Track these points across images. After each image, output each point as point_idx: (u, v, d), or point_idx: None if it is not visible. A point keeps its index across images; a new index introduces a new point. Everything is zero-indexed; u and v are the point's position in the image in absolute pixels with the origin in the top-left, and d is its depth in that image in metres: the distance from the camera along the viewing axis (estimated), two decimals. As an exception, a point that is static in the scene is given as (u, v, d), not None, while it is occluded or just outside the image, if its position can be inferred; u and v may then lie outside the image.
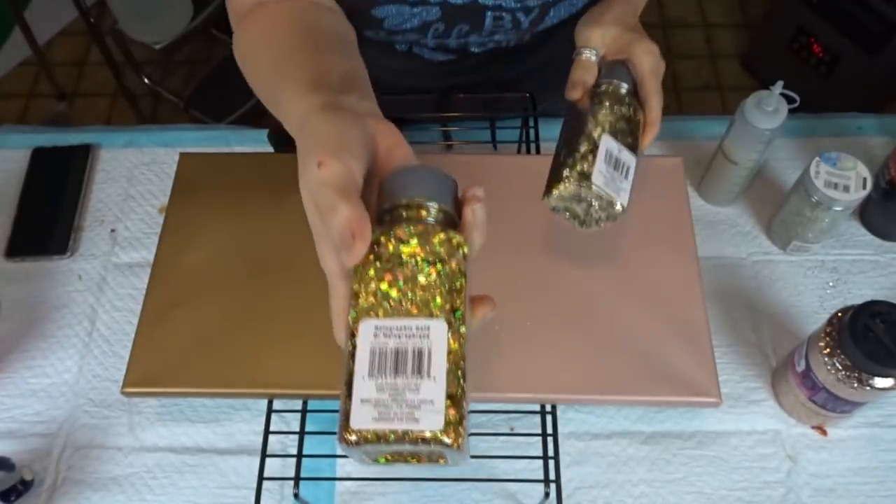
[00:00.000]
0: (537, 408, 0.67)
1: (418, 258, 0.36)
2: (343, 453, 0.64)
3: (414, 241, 0.36)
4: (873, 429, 0.70)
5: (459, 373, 0.34)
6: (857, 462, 0.68)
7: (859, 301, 0.61)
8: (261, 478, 0.64)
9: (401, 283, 0.36)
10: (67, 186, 0.85)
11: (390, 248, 0.36)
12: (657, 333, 0.68)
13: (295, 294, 0.69)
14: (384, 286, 0.36)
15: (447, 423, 0.33)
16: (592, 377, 0.66)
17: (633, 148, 0.59)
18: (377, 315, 0.35)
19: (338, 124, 0.40)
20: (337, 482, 0.68)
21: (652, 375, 0.66)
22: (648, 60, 0.59)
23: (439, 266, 0.36)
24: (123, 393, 0.66)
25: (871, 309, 0.60)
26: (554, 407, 0.66)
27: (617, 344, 0.67)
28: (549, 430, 0.65)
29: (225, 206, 0.75)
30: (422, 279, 0.36)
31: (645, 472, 0.68)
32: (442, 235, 0.36)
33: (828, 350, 0.62)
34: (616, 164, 0.57)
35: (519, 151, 0.85)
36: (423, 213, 0.38)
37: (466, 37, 0.68)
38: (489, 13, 0.65)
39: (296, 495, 0.65)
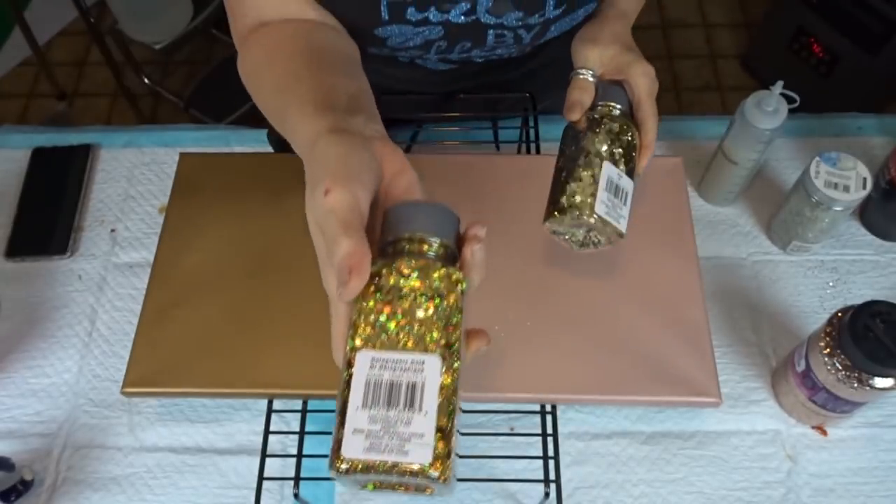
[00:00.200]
0: (537, 408, 0.67)
1: (417, 292, 0.37)
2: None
3: (414, 276, 0.37)
4: (873, 429, 0.70)
5: (450, 407, 0.35)
6: (857, 462, 0.68)
7: (859, 301, 0.61)
8: (261, 478, 0.64)
9: (399, 315, 0.37)
10: (67, 186, 0.85)
11: (391, 280, 0.37)
12: (657, 333, 0.68)
13: (295, 294, 0.69)
14: (382, 318, 0.37)
15: (435, 457, 0.34)
16: (592, 377, 0.66)
17: (631, 171, 0.60)
18: (374, 346, 0.36)
19: (346, 149, 0.40)
20: (337, 482, 0.68)
21: (652, 375, 0.66)
22: (645, 83, 0.60)
23: (437, 301, 0.37)
24: (123, 393, 0.66)
25: (871, 309, 0.60)
26: (554, 407, 0.66)
27: (617, 344, 0.67)
28: (549, 430, 0.65)
29: (225, 206, 0.75)
30: (420, 313, 0.37)
31: (645, 472, 0.68)
32: (442, 271, 0.37)
33: (828, 350, 0.62)
34: (616, 192, 0.58)
35: (519, 151, 0.85)
36: (425, 247, 0.38)
37: (469, 52, 0.69)
38: (491, 31, 0.65)
39: (296, 495, 0.65)
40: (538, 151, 0.80)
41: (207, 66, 1.94)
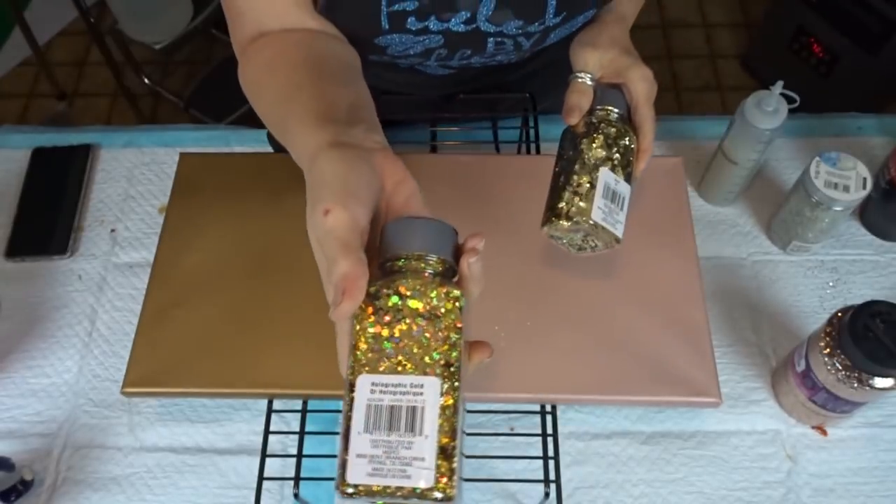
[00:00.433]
0: (537, 408, 0.67)
1: (416, 314, 0.37)
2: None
3: (412, 296, 0.37)
4: (873, 429, 0.70)
5: (452, 427, 0.36)
6: (857, 462, 0.68)
7: (859, 301, 0.61)
8: (261, 478, 0.64)
9: (397, 336, 0.37)
10: (67, 186, 0.85)
11: (389, 301, 0.37)
12: (657, 333, 0.68)
13: (295, 294, 0.69)
14: (381, 339, 0.37)
15: (437, 478, 0.34)
16: (592, 377, 0.66)
17: (628, 176, 0.60)
18: (374, 369, 0.36)
19: (346, 167, 0.41)
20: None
21: (652, 375, 0.66)
22: (643, 87, 0.60)
23: (436, 321, 0.37)
24: (123, 393, 0.66)
25: (871, 309, 0.60)
26: (554, 407, 0.66)
27: (617, 344, 0.67)
28: (549, 430, 0.65)
29: (225, 206, 0.75)
30: (417, 334, 0.37)
31: (645, 472, 0.68)
32: (440, 290, 0.37)
33: (828, 350, 0.62)
34: (613, 197, 0.58)
35: (519, 151, 0.85)
36: (423, 265, 0.38)
37: (469, 59, 0.69)
38: (491, 39, 0.65)
39: (296, 495, 0.65)
40: (538, 151, 0.80)
41: (207, 66, 1.94)
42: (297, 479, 0.64)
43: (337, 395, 0.67)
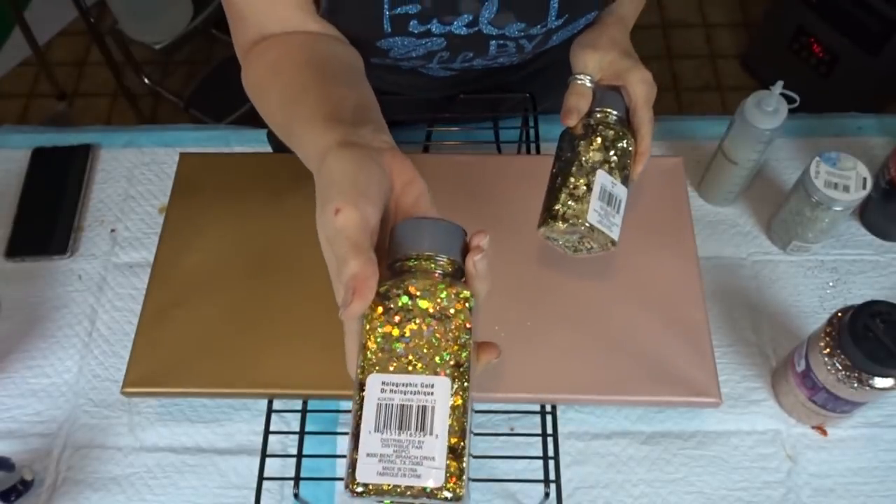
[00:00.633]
0: (537, 408, 0.67)
1: (426, 314, 0.37)
2: (340, 453, 0.65)
3: (422, 296, 0.37)
4: (873, 429, 0.70)
5: (461, 427, 0.36)
6: (857, 462, 0.68)
7: (859, 301, 0.61)
8: (261, 478, 0.64)
9: (407, 336, 0.37)
10: (67, 186, 0.85)
11: (399, 301, 0.37)
12: (657, 333, 0.68)
13: (295, 294, 0.69)
14: (392, 339, 0.37)
15: (447, 478, 0.35)
16: (592, 377, 0.66)
17: (625, 178, 0.61)
18: (384, 368, 0.36)
19: (355, 166, 0.41)
20: (337, 482, 0.68)
21: (652, 375, 0.66)
22: (643, 90, 0.60)
23: (446, 321, 0.37)
24: (123, 393, 0.66)
25: (871, 309, 0.60)
26: (554, 407, 0.66)
27: (617, 344, 0.67)
28: (549, 430, 0.65)
29: (225, 206, 0.75)
30: (428, 334, 0.37)
31: (645, 472, 0.68)
32: (450, 290, 0.38)
33: (828, 350, 0.62)
34: (609, 200, 0.59)
35: (519, 151, 0.85)
36: (432, 266, 0.39)
37: (471, 61, 0.69)
38: (493, 41, 0.65)
39: (296, 495, 0.65)
40: (538, 151, 0.80)
41: (207, 66, 1.94)
42: (297, 479, 0.64)
43: (337, 394, 0.67)
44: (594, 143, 0.59)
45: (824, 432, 0.70)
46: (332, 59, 0.57)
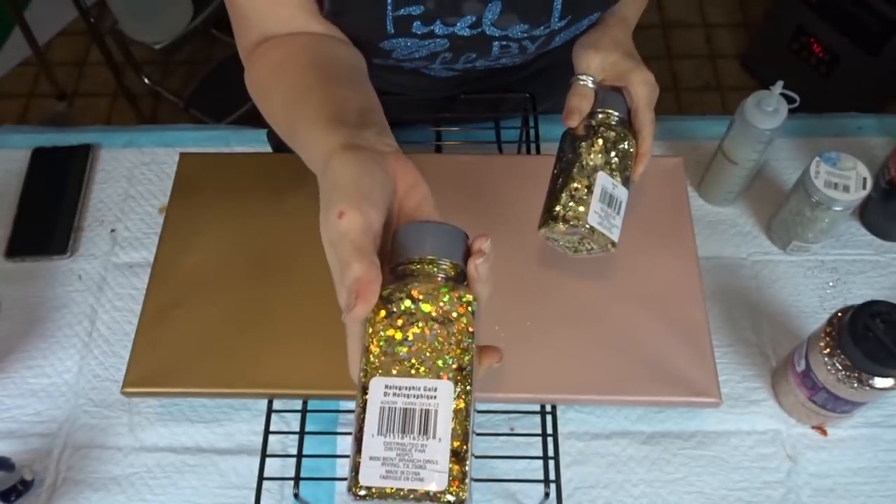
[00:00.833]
0: (537, 408, 0.67)
1: (428, 317, 0.37)
2: (340, 453, 0.65)
3: (425, 300, 0.37)
4: (873, 429, 0.70)
5: (464, 430, 0.36)
6: (857, 462, 0.68)
7: (859, 301, 0.61)
8: (261, 478, 0.64)
9: (410, 340, 0.37)
10: (67, 186, 0.85)
11: (402, 305, 0.38)
12: (657, 333, 0.68)
13: (295, 294, 0.69)
14: (394, 343, 0.37)
15: (450, 481, 0.35)
16: (592, 377, 0.66)
17: (626, 179, 0.61)
18: (387, 372, 0.37)
19: (359, 170, 0.41)
20: (337, 482, 0.68)
21: (652, 375, 0.66)
22: (645, 91, 0.60)
23: (448, 325, 0.37)
24: (123, 393, 0.66)
25: (871, 309, 0.60)
26: (554, 407, 0.66)
27: (617, 344, 0.67)
28: (549, 430, 0.65)
29: (225, 206, 0.75)
30: (431, 338, 0.37)
31: (645, 472, 0.68)
32: (452, 294, 0.38)
33: (828, 350, 0.62)
34: (609, 202, 0.59)
35: (519, 151, 0.85)
36: (435, 269, 0.39)
37: (474, 62, 0.69)
38: (496, 43, 0.65)
39: (296, 495, 0.65)
40: (538, 151, 0.80)
41: (207, 66, 1.94)
42: (297, 479, 0.64)
43: (337, 394, 0.67)
44: (595, 145, 0.59)
45: (824, 432, 0.70)
46: (335, 60, 0.57)
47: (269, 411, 0.67)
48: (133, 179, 0.86)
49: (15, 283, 0.79)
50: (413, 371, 0.36)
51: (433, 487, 0.34)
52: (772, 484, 0.67)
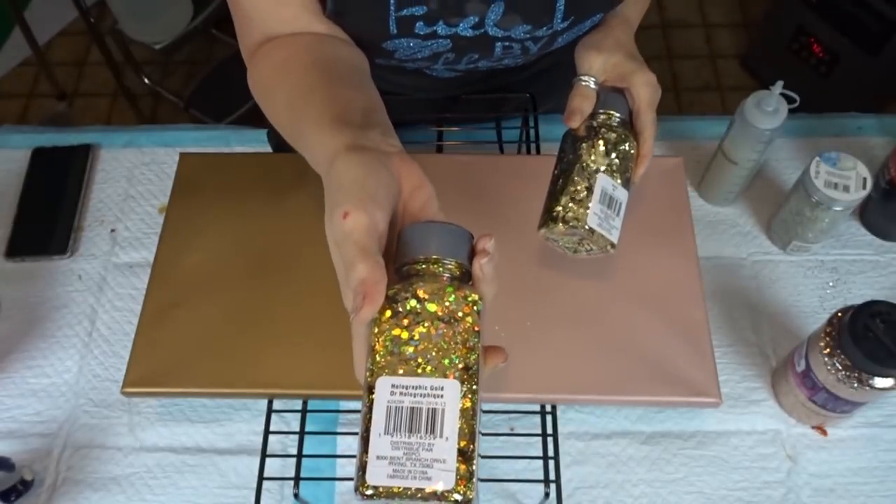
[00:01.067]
0: (537, 408, 0.67)
1: (434, 317, 0.37)
2: (340, 453, 0.65)
3: (430, 299, 0.38)
4: (873, 429, 0.70)
5: (471, 429, 0.36)
6: (857, 462, 0.68)
7: (859, 301, 0.61)
8: (261, 478, 0.64)
9: (416, 340, 0.37)
10: (67, 186, 0.85)
11: (408, 305, 0.38)
12: (657, 333, 0.68)
13: (295, 294, 0.69)
14: (400, 342, 0.37)
15: (457, 480, 0.35)
16: (592, 377, 0.66)
17: (626, 181, 0.61)
18: (394, 371, 0.37)
19: (364, 171, 0.41)
20: (337, 482, 0.68)
21: (652, 375, 0.66)
22: (646, 93, 0.60)
23: (454, 324, 0.37)
24: (123, 393, 0.66)
25: (871, 309, 0.60)
26: (554, 407, 0.66)
27: (617, 344, 0.67)
28: (549, 430, 0.65)
29: (225, 206, 0.75)
30: (437, 338, 0.37)
31: (645, 472, 0.68)
32: (458, 293, 0.38)
33: (828, 350, 0.62)
34: (609, 203, 0.59)
35: (519, 151, 0.85)
36: (440, 269, 0.39)
37: (476, 62, 0.69)
38: (499, 43, 0.65)
39: (296, 495, 0.65)
40: (538, 151, 0.80)
41: (207, 66, 1.94)
42: (297, 479, 0.64)
43: (337, 394, 0.67)
44: (596, 146, 0.59)
45: (824, 432, 0.70)
46: (338, 60, 0.57)
47: (269, 411, 0.67)
48: (133, 179, 0.86)
49: (15, 283, 0.79)
50: (419, 370, 0.36)
51: (440, 487, 0.34)
52: (772, 484, 0.67)
